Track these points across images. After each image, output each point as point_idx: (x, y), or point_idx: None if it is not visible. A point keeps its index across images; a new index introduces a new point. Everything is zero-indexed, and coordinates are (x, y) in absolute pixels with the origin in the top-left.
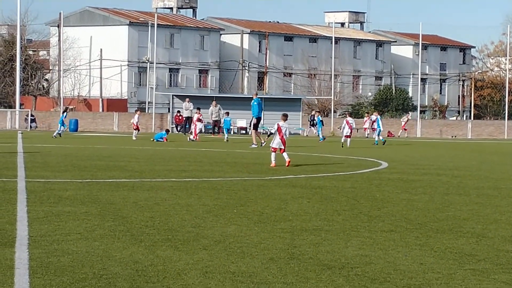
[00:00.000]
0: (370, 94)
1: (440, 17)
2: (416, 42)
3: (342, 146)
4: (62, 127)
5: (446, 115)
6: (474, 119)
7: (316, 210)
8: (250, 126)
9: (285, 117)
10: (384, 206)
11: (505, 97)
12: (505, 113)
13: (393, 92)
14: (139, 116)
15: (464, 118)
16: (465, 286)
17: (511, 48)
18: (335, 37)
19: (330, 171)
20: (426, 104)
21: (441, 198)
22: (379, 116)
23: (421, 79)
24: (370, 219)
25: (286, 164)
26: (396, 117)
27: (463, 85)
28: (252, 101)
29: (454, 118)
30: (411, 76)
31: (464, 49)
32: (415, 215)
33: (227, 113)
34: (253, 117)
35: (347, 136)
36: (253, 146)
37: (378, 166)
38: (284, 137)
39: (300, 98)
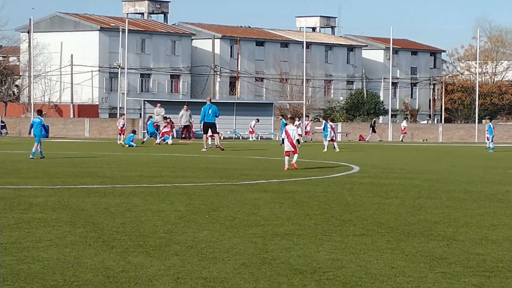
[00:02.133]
0: (341, 98)
1: (411, 22)
2: (387, 46)
3: (324, 150)
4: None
5: (417, 119)
6: (445, 122)
7: (288, 215)
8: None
9: (292, 120)
10: (356, 210)
11: (476, 100)
12: (475, 117)
13: (365, 96)
14: (124, 120)
15: (435, 122)
16: None
17: (481, 52)
18: (306, 41)
19: (302, 176)
20: (397, 108)
21: (412, 202)
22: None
23: (392, 83)
24: (341, 223)
25: (291, 164)
26: (367, 121)
27: (433, 89)
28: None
29: (425, 122)
30: (382, 80)
31: (434, 53)
32: (387, 219)
33: None
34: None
35: (332, 140)
36: (204, 150)
37: (350, 170)
38: (293, 140)
39: (272, 103)
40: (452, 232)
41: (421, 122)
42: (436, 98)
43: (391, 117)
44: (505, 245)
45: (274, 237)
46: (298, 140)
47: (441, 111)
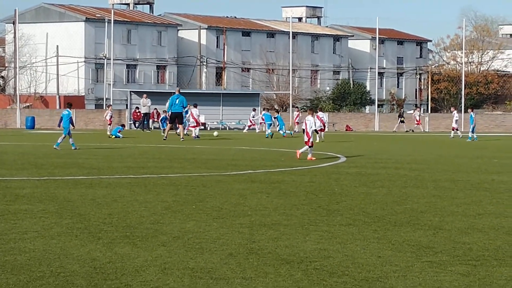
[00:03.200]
0: (328, 88)
1: (397, 12)
2: (373, 36)
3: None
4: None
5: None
6: (431, 112)
7: (275, 205)
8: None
9: (311, 111)
10: (343, 200)
11: (462, 90)
12: (461, 106)
13: (351, 87)
14: (111, 112)
15: (422, 112)
16: (423, 278)
17: (467, 41)
18: (292, 32)
19: (288, 166)
20: (384, 98)
21: (399, 191)
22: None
23: (379, 73)
24: (328, 213)
25: (298, 152)
26: (354, 111)
27: (420, 79)
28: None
29: (412, 111)
30: (369, 70)
31: (420, 43)
32: (373, 209)
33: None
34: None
35: (321, 130)
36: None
37: (337, 160)
38: (309, 131)
39: (259, 93)
40: (439, 221)
41: (407, 112)
42: (422, 87)
43: (378, 107)
44: (491, 234)
45: (261, 227)
46: (316, 131)
47: (428, 101)
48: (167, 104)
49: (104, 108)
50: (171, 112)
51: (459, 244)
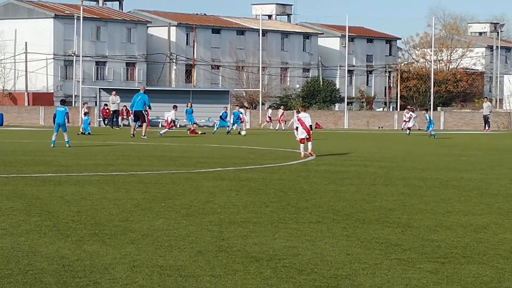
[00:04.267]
0: (298, 86)
1: (367, 10)
2: (342, 34)
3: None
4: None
5: (373, 107)
6: (400, 110)
7: (244, 203)
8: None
9: (304, 108)
10: (312, 198)
11: (431, 88)
12: (430, 104)
13: (321, 84)
14: (86, 109)
15: (391, 109)
16: (391, 276)
17: (436, 39)
18: (262, 29)
19: (258, 164)
20: (353, 95)
21: (368, 189)
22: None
23: (348, 70)
24: (297, 211)
25: (308, 152)
26: (323, 109)
27: (389, 77)
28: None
29: (381, 109)
30: (338, 68)
31: (390, 40)
32: (342, 206)
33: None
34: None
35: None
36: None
37: (306, 158)
38: (307, 126)
39: (228, 91)
40: (407, 219)
41: (377, 110)
42: (391, 85)
43: (347, 104)
44: (459, 231)
45: (230, 225)
46: (311, 126)
47: (397, 99)
48: (131, 102)
49: (74, 105)
50: (134, 111)
51: (428, 241)
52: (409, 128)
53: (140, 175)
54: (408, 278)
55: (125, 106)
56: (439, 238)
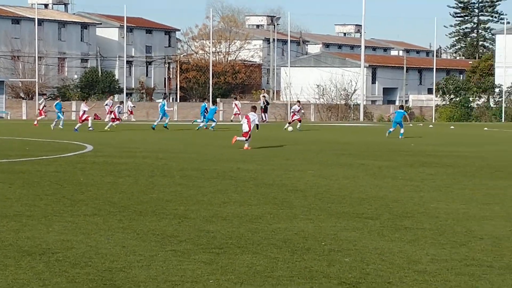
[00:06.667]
0: (76, 76)
1: (145, 0)
2: (121, 24)
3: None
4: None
5: (153, 98)
6: (180, 101)
7: (18, 196)
8: None
9: (254, 109)
10: (88, 190)
11: (210, 79)
12: (209, 96)
13: (99, 75)
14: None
15: (171, 100)
16: (166, 267)
17: (214, 31)
18: (38, 18)
19: (33, 156)
20: (133, 86)
21: (146, 181)
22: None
23: (127, 61)
24: (73, 203)
25: (244, 148)
26: (102, 100)
27: (169, 68)
28: None
29: (160, 100)
30: (117, 58)
31: (169, 32)
32: (119, 198)
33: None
34: None
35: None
36: None
37: (83, 149)
38: (251, 125)
39: (3, 81)
40: (184, 210)
41: (157, 101)
42: (171, 77)
43: (127, 95)
44: (235, 222)
45: (3, 218)
46: (257, 126)
47: (177, 90)
48: None
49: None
50: None
51: (204, 232)
52: (299, 120)
53: None
54: (183, 269)
55: None
56: (215, 229)
